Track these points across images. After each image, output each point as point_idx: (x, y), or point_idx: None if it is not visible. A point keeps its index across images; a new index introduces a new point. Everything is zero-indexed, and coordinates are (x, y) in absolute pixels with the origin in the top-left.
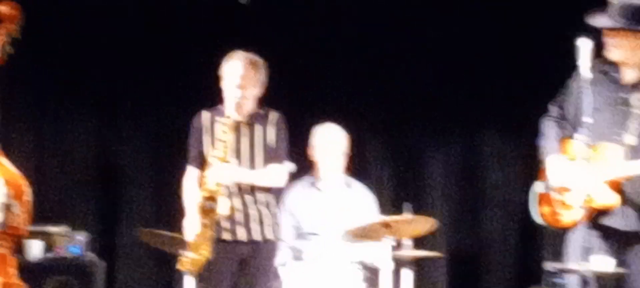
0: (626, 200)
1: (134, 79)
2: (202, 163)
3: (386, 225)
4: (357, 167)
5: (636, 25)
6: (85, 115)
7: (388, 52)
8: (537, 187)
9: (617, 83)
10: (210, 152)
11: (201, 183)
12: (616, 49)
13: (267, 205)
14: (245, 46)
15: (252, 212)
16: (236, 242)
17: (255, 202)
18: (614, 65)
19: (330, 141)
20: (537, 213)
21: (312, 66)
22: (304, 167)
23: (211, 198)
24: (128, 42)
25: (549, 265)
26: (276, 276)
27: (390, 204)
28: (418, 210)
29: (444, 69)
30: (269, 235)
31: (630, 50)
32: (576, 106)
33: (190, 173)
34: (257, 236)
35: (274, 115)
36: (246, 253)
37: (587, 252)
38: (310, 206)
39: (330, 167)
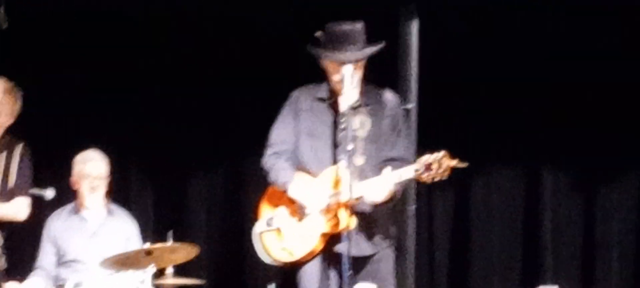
0: (359, 221)
1: None
2: None
3: (148, 253)
4: (120, 194)
5: (374, 45)
6: None
7: (149, 75)
8: (258, 227)
9: (337, 110)
10: None
11: None
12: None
13: None
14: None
15: None
16: None
17: None
18: (332, 92)
19: (90, 168)
20: (266, 254)
21: (73, 92)
22: (69, 194)
23: None
24: None
25: None
26: None
27: (153, 231)
28: (180, 237)
29: (207, 93)
30: None
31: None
32: (306, 133)
33: None
34: None
35: (18, 146)
36: None
37: (326, 280)
38: (72, 233)
39: (91, 194)
